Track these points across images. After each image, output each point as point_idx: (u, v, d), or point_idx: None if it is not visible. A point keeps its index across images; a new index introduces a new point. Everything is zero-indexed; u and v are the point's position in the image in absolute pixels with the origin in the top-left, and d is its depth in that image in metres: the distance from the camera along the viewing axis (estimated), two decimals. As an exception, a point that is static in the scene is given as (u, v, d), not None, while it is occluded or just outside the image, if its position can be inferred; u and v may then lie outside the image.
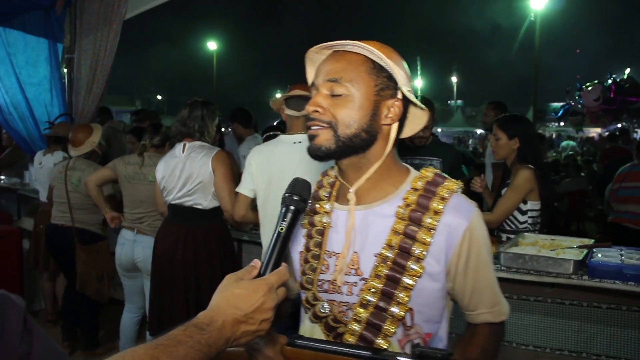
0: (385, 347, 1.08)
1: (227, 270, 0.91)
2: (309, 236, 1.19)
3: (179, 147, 2.93)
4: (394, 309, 1.07)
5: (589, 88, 12.09)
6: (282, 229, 0.94)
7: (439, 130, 25.40)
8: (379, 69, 1.09)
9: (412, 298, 1.08)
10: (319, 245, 1.17)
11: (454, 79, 41.27)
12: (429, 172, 1.15)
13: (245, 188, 2.51)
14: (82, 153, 3.65)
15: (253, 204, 2.54)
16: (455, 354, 1.15)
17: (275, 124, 4.99)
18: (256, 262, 0.92)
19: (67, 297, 3.79)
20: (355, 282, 1.11)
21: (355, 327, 1.10)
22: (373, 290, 1.08)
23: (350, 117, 1.07)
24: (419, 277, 1.07)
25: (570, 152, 12.64)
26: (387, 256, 1.08)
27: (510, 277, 2.39)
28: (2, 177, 5.81)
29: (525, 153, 2.78)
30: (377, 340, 1.08)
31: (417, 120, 1.18)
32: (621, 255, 2.36)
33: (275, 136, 2.75)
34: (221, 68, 33.87)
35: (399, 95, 1.11)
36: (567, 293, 2.44)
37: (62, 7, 4.60)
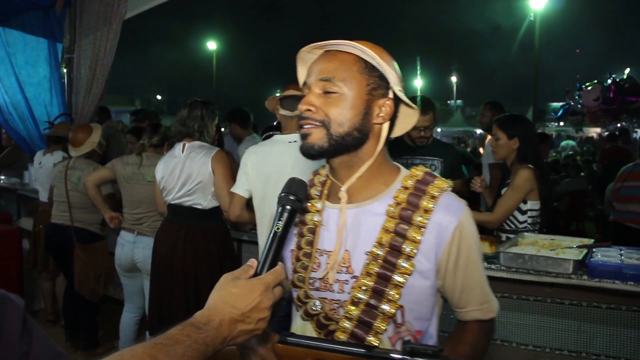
0: (377, 345, 1.09)
1: (227, 270, 0.91)
2: (301, 234, 1.20)
3: (178, 147, 2.93)
4: (385, 307, 1.09)
5: (589, 88, 12.10)
6: (278, 228, 0.94)
7: (439, 130, 25.40)
8: (370, 69, 1.10)
9: (402, 295, 1.09)
10: (311, 243, 1.18)
11: (454, 79, 41.28)
12: (419, 171, 1.17)
13: (240, 188, 2.52)
14: (82, 153, 3.65)
15: (249, 203, 2.54)
16: (446, 350, 1.16)
17: (275, 124, 4.97)
18: (253, 262, 0.93)
19: (67, 297, 3.79)
20: (347, 280, 1.12)
21: (347, 324, 1.11)
22: (364, 288, 1.10)
23: (342, 115, 1.08)
24: (409, 274, 1.09)
25: (570, 152, 12.63)
26: (378, 254, 1.10)
27: (510, 277, 2.40)
28: (2, 177, 5.81)
29: (525, 153, 2.78)
30: (368, 338, 1.10)
31: (408, 119, 1.19)
32: (621, 255, 2.37)
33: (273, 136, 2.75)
34: (221, 68, 33.85)
35: (390, 95, 1.12)
36: (566, 293, 2.44)
37: (62, 7, 4.60)
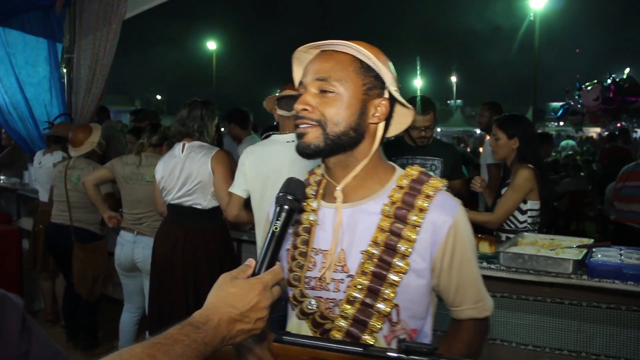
0: (372, 343, 1.09)
1: (226, 270, 0.91)
2: (296, 234, 1.21)
3: (178, 147, 2.93)
4: (380, 305, 1.09)
5: (589, 88, 12.09)
6: (276, 228, 0.94)
7: (439, 130, 25.42)
8: (366, 69, 1.11)
9: (397, 294, 1.10)
10: (306, 242, 1.19)
11: (454, 79, 41.26)
12: (414, 170, 1.17)
13: (238, 188, 2.52)
14: (82, 153, 3.65)
15: (248, 203, 2.54)
16: (441, 349, 1.17)
17: (275, 124, 4.96)
18: (251, 261, 0.93)
19: (67, 297, 3.79)
20: (342, 279, 1.13)
21: (342, 323, 1.12)
22: (359, 286, 1.10)
23: (338, 115, 1.09)
24: (404, 273, 1.09)
25: (570, 152, 12.63)
26: (373, 253, 1.11)
27: (510, 277, 2.40)
28: (2, 177, 5.81)
29: (525, 153, 2.78)
30: (364, 336, 1.10)
31: (403, 119, 1.20)
32: (620, 255, 2.37)
33: (272, 136, 2.75)
34: (221, 68, 33.86)
35: (386, 95, 1.13)
36: (566, 293, 2.45)
37: (62, 7, 4.60)
